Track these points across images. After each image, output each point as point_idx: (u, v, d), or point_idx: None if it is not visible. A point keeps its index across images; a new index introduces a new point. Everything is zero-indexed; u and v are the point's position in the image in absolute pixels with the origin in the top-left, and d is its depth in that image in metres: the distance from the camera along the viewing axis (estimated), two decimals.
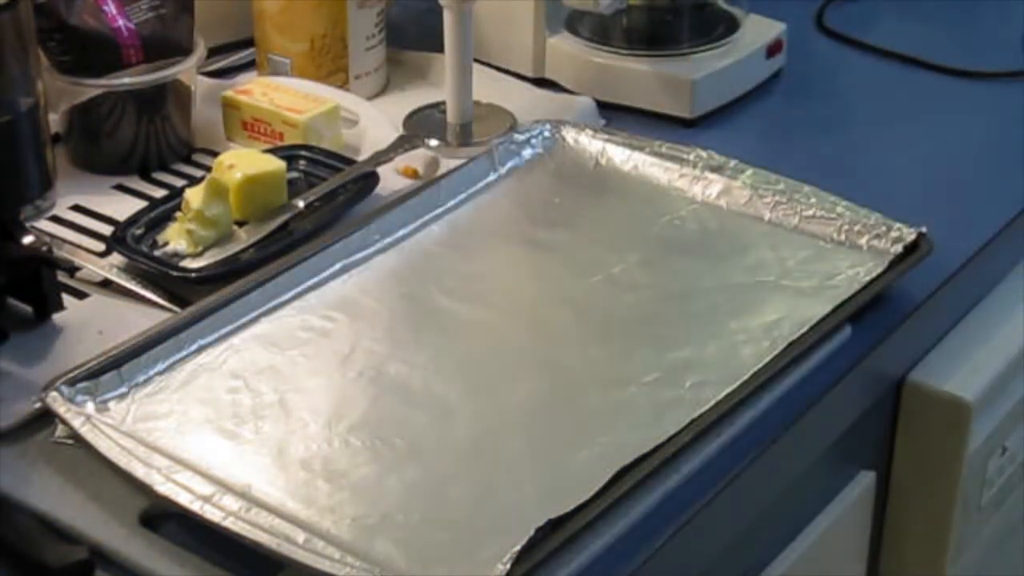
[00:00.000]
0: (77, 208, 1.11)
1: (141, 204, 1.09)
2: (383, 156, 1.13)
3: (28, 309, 0.97)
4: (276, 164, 1.08)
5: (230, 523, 0.78)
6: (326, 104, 1.17)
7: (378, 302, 0.99)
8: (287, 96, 1.18)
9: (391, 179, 1.13)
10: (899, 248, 1.02)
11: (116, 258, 1.03)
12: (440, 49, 1.19)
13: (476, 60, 1.21)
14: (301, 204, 1.07)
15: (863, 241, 1.03)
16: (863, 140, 1.24)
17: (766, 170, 1.09)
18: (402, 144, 1.15)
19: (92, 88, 1.12)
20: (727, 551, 0.90)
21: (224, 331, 0.95)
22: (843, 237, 1.04)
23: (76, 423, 0.85)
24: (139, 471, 0.82)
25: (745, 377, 0.90)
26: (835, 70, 1.36)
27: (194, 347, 0.93)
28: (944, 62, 1.34)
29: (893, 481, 1.11)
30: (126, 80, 1.12)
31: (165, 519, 0.82)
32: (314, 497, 0.81)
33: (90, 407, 0.87)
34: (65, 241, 1.05)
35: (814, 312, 0.96)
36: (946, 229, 1.04)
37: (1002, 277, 1.15)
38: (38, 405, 0.88)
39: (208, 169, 1.10)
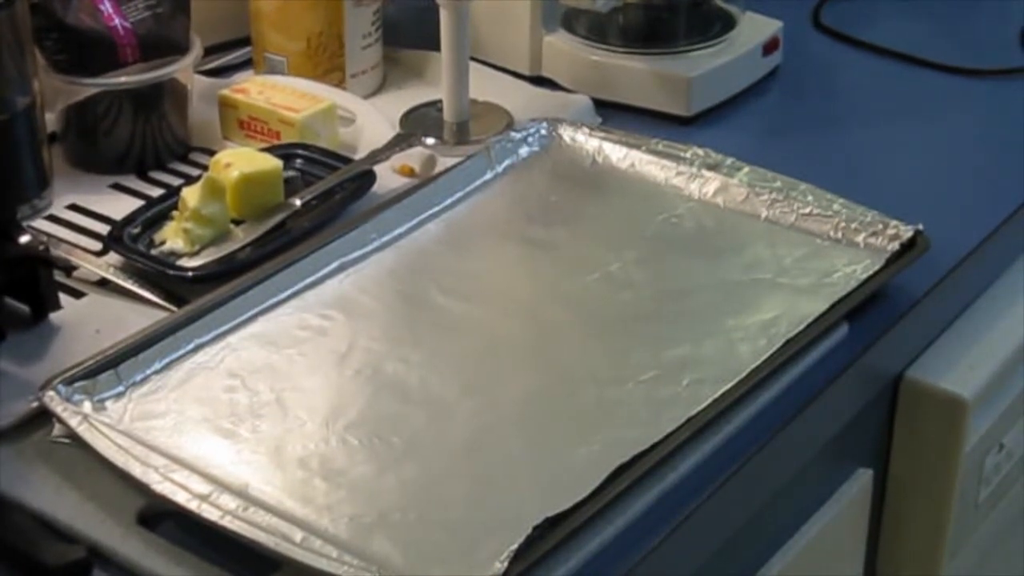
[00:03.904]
0: (74, 207, 1.11)
1: (138, 203, 1.09)
2: (380, 154, 1.13)
3: (25, 308, 0.97)
4: (273, 163, 1.08)
5: (227, 522, 0.78)
6: (323, 103, 1.17)
7: (375, 300, 0.99)
8: (283, 95, 1.18)
9: (388, 177, 1.13)
10: (896, 245, 1.02)
11: (113, 257, 1.03)
12: (437, 47, 1.19)
13: (473, 58, 1.21)
14: (298, 203, 1.07)
15: (860, 239, 1.03)
16: (860, 138, 1.24)
17: (763, 168, 1.09)
18: (399, 142, 1.15)
19: (88, 87, 1.12)
20: (724, 548, 0.90)
21: (221, 330, 0.95)
22: (840, 235, 1.04)
23: (73, 422, 0.85)
24: (136, 470, 0.82)
25: (742, 375, 0.90)
26: (831, 68, 1.36)
27: (191, 346, 0.93)
28: (941, 60, 1.34)
29: (890, 478, 1.11)
30: (122, 79, 1.12)
31: (163, 518, 0.82)
32: (311, 496, 0.81)
33: (87, 406, 0.87)
34: (62, 240, 1.05)
35: (811, 310, 0.96)
36: (943, 226, 1.04)
37: (999, 274, 1.16)
38: (35, 404, 0.88)
39: (205, 168, 1.10)
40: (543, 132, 1.16)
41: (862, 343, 0.98)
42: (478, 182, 1.11)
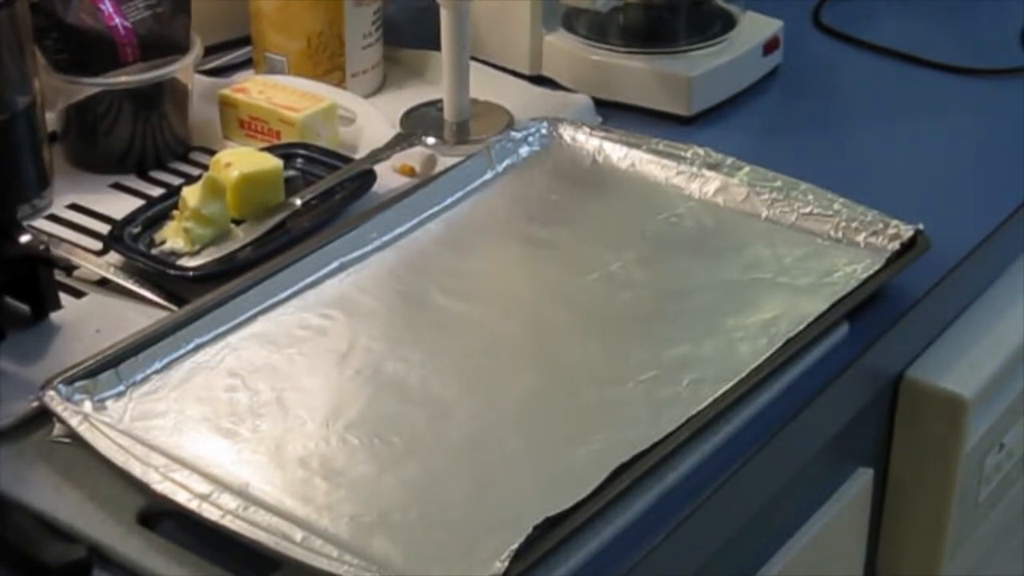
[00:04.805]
0: (74, 207, 1.11)
1: (138, 203, 1.09)
2: (380, 154, 1.13)
3: (25, 308, 0.97)
4: (273, 162, 1.08)
5: (228, 521, 0.78)
6: (323, 102, 1.17)
7: (376, 300, 0.99)
8: (284, 94, 1.18)
9: (388, 177, 1.13)
10: (896, 245, 1.02)
11: (113, 257, 1.03)
12: (437, 47, 1.19)
13: (473, 58, 1.21)
14: (298, 202, 1.07)
15: (860, 238, 1.03)
16: (860, 137, 1.24)
17: (763, 167, 1.09)
18: (399, 142, 1.15)
19: (89, 87, 1.12)
20: (725, 548, 0.90)
21: (221, 329, 0.95)
22: (840, 234, 1.04)
23: (74, 422, 0.85)
24: (137, 470, 0.82)
25: (743, 374, 0.90)
26: (832, 67, 1.36)
27: (191, 346, 0.93)
28: (941, 59, 1.34)
29: (891, 478, 1.11)
30: (123, 79, 1.12)
31: (163, 517, 0.82)
32: (312, 495, 0.81)
33: (88, 406, 0.87)
34: (62, 240, 1.05)
35: (811, 309, 0.96)
36: (943, 226, 1.04)
37: (1000, 273, 1.16)
38: (36, 404, 0.88)
39: (205, 167, 1.10)
40: (543, 132, 1.16)
41: (862, 343, 0.98)
42: (478, 182, 1.11)
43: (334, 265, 1.01)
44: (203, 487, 0.81)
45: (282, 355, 0.93)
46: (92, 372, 0.89)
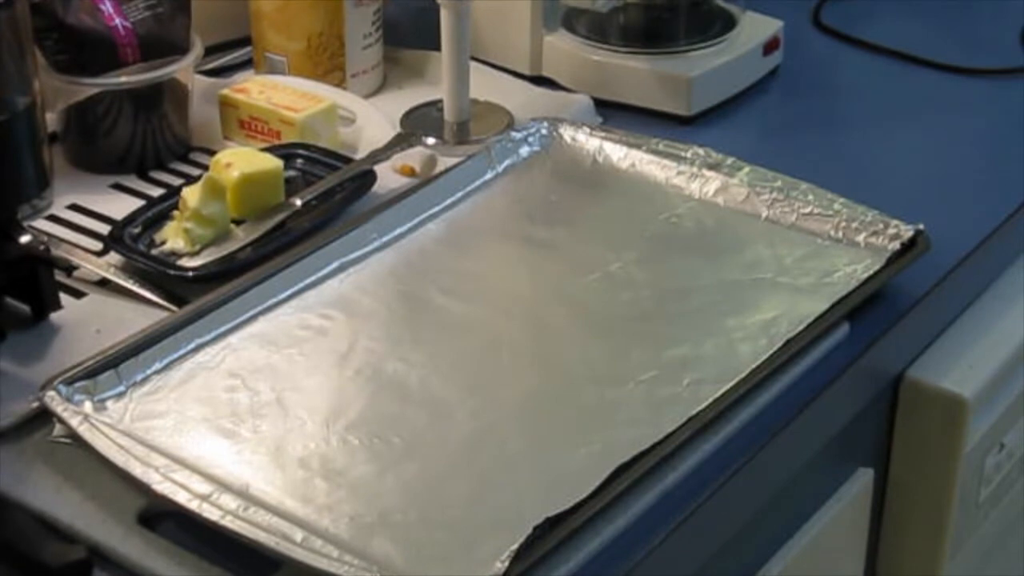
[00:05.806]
0: (74, 207, 1.11)
1: (138, 203, 1.09)
2: (380, 154, 1.13)
3: (26, 308, 0.97)
4: (273, 163, 1.08)
5: (228, 522, 0.78)
6: (323, 102, 1.17)
7: (376, 300, 0.99)
8: (284, 94, 1.18)
9: (388, 177, 1.13)
10: (897, 245, 1.02)
11: (113, 257, 1.03)
12: (437, 47, 1.19)
13: (473, 58, 1.21)
14: (298, 203, 1.07)
15: (860, 238, 1.03)
16: (860, 137, 1.24)
17: (763, 167, 1.09)
18: (399, 142, 1.15)
19: (89, 87, 1.12)
20: (725, 548, 0.90)
21: (221, 330, 0.95)
22: (840, 234, 1.04)
23: (74, 422, 0.85)
24: (137, 470, 0.82)
25: (743, 375, 0.90)
26: (832, 67, 1.36)
27: (192, 346, 0.93)
28: (941, 59, 1.34)
29: (891, 478, 1.11)
30: (123, 79, 1.12)
31: (163, 518, 0.82)
32: (312, 496, 0.81)
33: (88, 406, 0.87)
34: (62, 240, 1.05)
35: (812, 309, 0.96)
36: (943, 226, 1.04)
37: (1000, 273, 1.16)
38: (36, 404, 0.88)
39: (205, 168, 1.10)
40: (544, 132, 1.16)
41: (863, 343, 0.98)
42: (478, 182, 1.11)
43: (334, 265, 1.01)
44: (203, 487, 0.81)
45: (282, 355, 0.93)
46: (92, 372, 0.89)
